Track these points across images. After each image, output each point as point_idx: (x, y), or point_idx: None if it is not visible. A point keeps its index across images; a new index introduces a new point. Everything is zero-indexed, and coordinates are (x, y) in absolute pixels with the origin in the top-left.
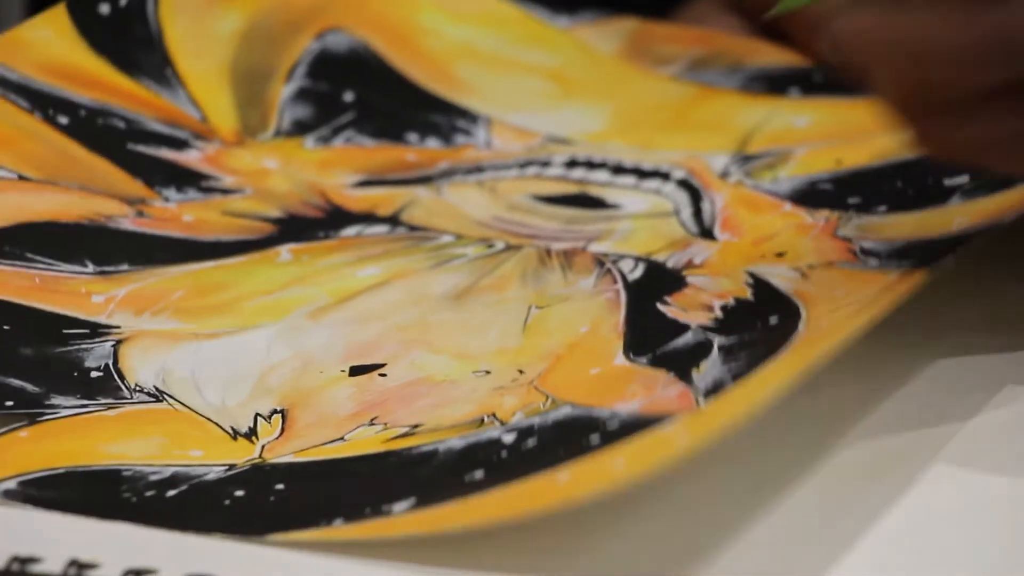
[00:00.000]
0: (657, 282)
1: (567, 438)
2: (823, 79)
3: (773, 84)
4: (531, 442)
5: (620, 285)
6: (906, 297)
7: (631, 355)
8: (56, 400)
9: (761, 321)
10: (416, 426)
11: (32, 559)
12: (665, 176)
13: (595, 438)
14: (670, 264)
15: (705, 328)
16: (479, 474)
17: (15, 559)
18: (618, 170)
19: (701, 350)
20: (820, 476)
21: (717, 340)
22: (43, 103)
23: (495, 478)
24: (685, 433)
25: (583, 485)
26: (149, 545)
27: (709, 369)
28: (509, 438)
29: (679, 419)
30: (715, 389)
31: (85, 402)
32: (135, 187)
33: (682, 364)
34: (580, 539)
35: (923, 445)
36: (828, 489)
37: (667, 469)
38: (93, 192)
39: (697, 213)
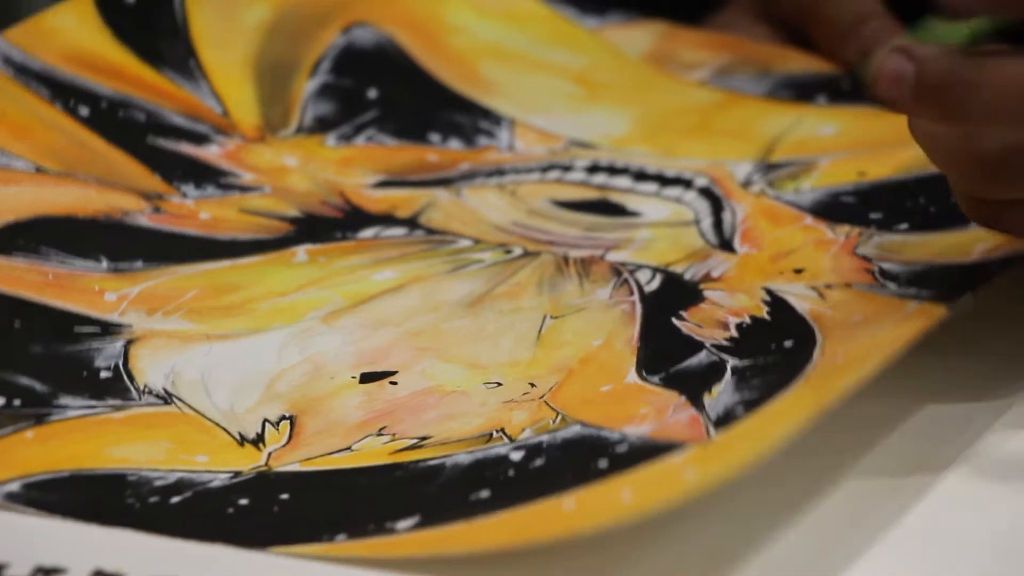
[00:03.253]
0: (674, 295)
1: (575, 460)
2: (851, 86)
3: (800, 91)
4: (538, 461)
5: (636, 297)
6: (923, 335)
7: (643, 373)
8: (64, 400)
9: (776, 343)
10: (424, 438)
11: (56, 569)
12: (687, 183)
13: (603, 462)
14: (688, 276)
15: (719, 347)
16: (484, 494)
17: (39, 569)
18: (640, 176)
19: (714, 372)
20: (842, 486)
21: (730, 362)
22: (64, 93)
23: (501, 499)
24: (694, 468)
25: (589, 515)
26: (175, 556)
27: (721, 395)
28: (517, 456)
29: (689, 450)
30: (726, 418)
31: (93, 403)
32: (153, 182)
33: (694, 386)
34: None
35: (942, 455)
36: (849, 499)
37: (675, 504)
38: (110, 186)
39: (718, 223)
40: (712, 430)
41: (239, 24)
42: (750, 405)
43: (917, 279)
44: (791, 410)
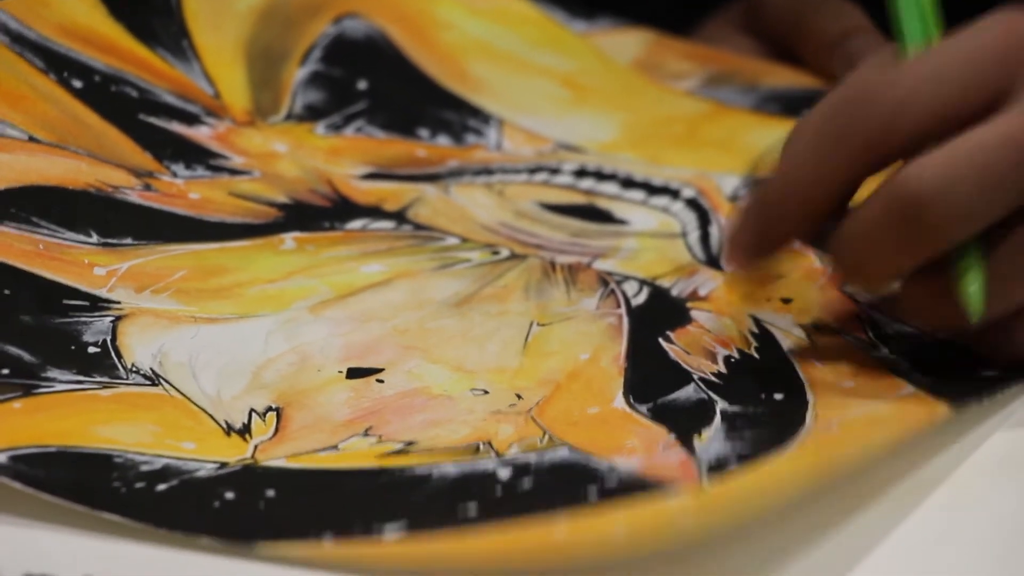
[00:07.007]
0: (660, 311)
1: (564, 486)
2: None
3: (788, 105)
4: (526, 482)
5: (623, 310)
6: (922, 431)
7: (631, 400)
8: (52, 373)
9: (765, 393)
10: (411, 443)
11: None
12: (675, 193)
13: (593, 493)
14: (675, 292)
15: (707, 383)
16: (472, 507)
17: None
18: (628, 183)
19: (703, 413)
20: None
21: (719, 405)
22: (58, 65)
23: (489, 516)
24: (691, 513)
25: (581, 543)
26: (166, 564)
27: (711, 440)
28: (504, 473)
29: (683, 493)
30: (719, 466)
31: (80, 378)
32: (144, 159)
33: (683, 425)
34: None
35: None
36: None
37: (669, 545)
38: (102, 160)
39: (705, 237)
40: (705, 477)
41: (231, 7)
42: (743, 459)
43: (911, 352)
44: (790, 475)
